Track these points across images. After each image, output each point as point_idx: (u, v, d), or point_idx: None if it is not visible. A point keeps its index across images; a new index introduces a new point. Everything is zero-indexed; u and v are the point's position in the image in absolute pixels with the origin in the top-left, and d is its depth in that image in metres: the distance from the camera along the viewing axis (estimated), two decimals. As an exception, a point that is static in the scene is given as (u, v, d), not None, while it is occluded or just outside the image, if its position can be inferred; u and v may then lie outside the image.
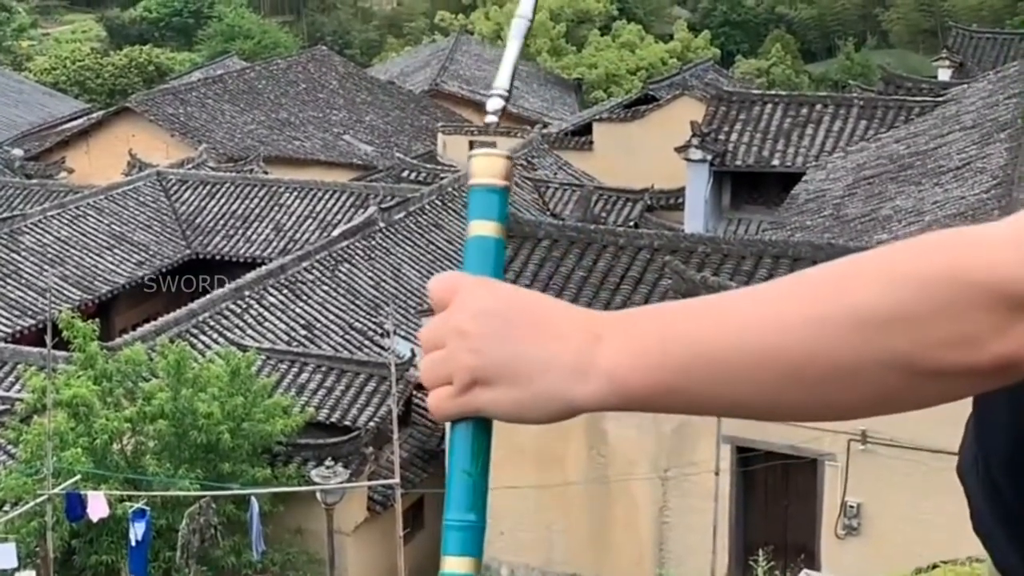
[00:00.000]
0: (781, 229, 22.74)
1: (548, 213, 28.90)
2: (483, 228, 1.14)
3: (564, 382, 1.08)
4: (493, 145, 1.24)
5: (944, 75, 34.79)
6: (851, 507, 16.11)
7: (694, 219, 26.96)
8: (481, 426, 1.12)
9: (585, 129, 37.01)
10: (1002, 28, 47.73)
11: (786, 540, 16.94)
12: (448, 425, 1.14)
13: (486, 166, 1.15)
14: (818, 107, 28.88)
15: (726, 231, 26.20)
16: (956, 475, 1.26)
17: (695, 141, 27.39)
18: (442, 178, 31.14)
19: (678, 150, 27.74)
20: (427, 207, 28.12)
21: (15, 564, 14.58)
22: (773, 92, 34.17)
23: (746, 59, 65.53)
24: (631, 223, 28.46)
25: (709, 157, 27.23)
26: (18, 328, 24.63)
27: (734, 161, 27.66)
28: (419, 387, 20.33)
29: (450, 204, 28.59)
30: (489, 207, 1.14)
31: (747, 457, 16.53)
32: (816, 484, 16.43)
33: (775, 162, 27.59)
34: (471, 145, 37.28)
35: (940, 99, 28.33)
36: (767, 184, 27.67)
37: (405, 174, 33.43)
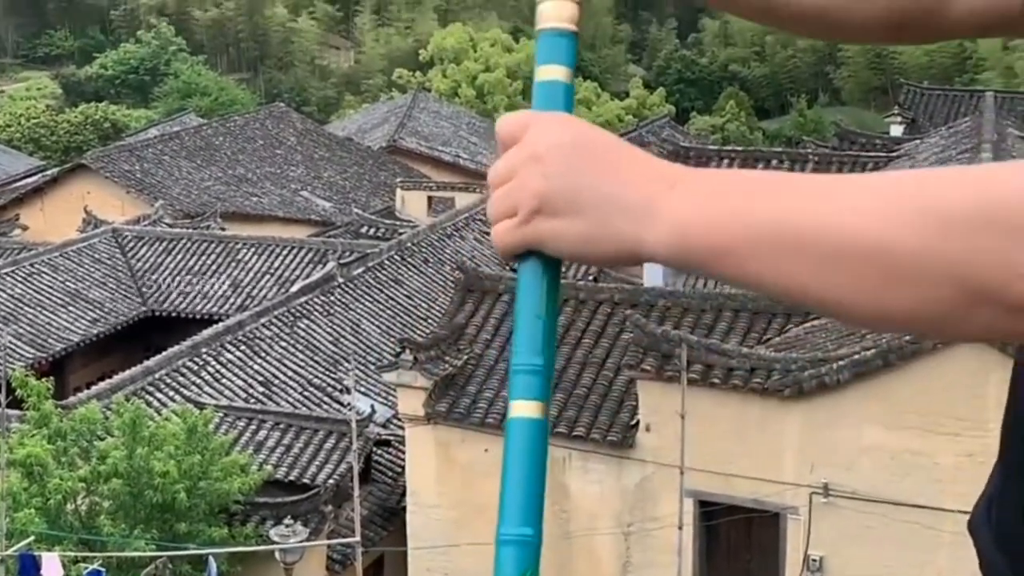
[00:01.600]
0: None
1: (508, 268, 28.91)
2: (552, 72, 1.12)
3: (634, 222, 1.05)
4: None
5: (896, 131, 35.32)
6: (814, 561, 16.07)
7: (653, 272, 27.03)
8: (550, 265, 1.08)
9: (543, 185, 37.11)
10: (951, 85, 48.65)
11: (750, 594, 16.85)
12: (516, 266, 1.11)
13: (555, 10, 1.13)
14: (774, 162, 29.19)
15: (685, 284, 26.30)
16: (967, 530, 1.21)
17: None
18: (401, 233, 31.11)
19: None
20: (386, 262, 28.06)
21: (-35, 629, 14.20)
22: (729, 147, 34.50)
23: (701, 116, 66.31)
24: (591, 277, 28.51)
25: (667, 212, 27.36)
26: (-31, 387, 24.19)
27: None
28: (379, 443, 20.18)
29: (409, 259, 28.55)
30: (558, 51, 1.12)
31: (710, 511, 16.47)
32: (779, 538, 16.39)
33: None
34: (429, 201, 37.39)
35: (894, 154, 28.75)
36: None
37: (364, 230, 33.38)
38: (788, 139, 58.72)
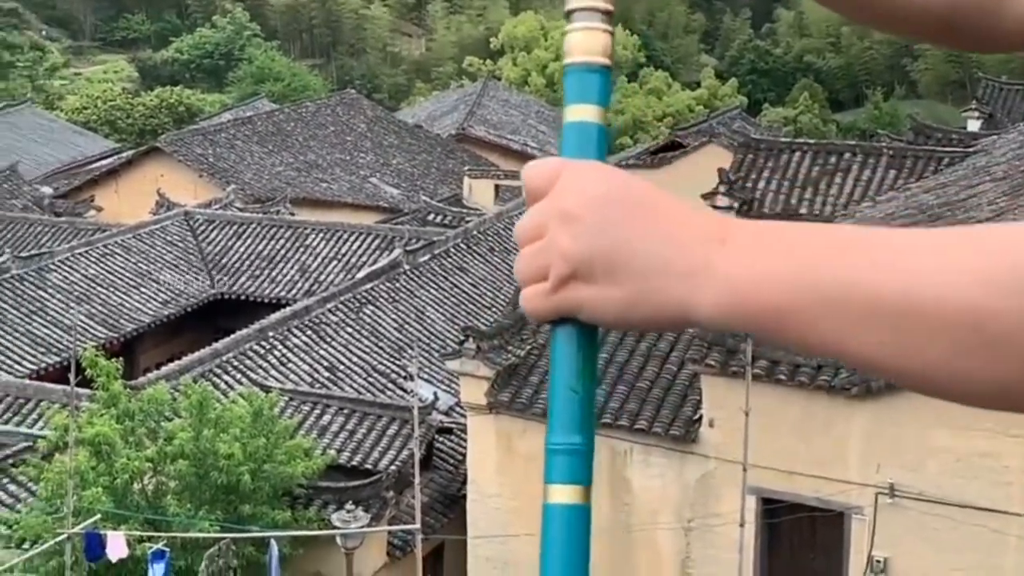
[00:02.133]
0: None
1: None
2: (583, 112, 1.01)
3: (682, 284, 0.95)
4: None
5: (974, 126, 34.65)
6: (878, 562, 15.84)
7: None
8: (586, 333, 0.99)
9: (611, 175, 36.92)
10: (1031, 80, 47.57)
11: (812, 594, 16.66)
12: (549, 333, 1.01)
13: (585, 42, 1.02)
14: (847, 156, 28.79)
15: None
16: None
17: (722, 188, 27.31)
18: (467, 221, 31.15)
19: (705, 197, 27.64)
20: (452, 250, 28.11)
21: (32, 604, 14.48)
22: (801, 140, 34.09)
23: (773, 107, 65.59)
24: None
25: (736, 205, 27.12)
26: (43, 365, 24.68)
27: (761, 209, 27.54)
28: (441, 431, 20.23)
29: (475, 248, 28.58)
30: (589, 88, 1.02)
31: (773, 509, 16.29)
32: (843, 538, 16.17)
33: (803, 210, 27.46)
34: (497, 189, 37.40)
35: (970, 150, 28.20)
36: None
37: (431, 217, 33.48)
38: (862, 132, 57.92)
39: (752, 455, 15.25)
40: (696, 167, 32.85)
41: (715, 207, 27.34)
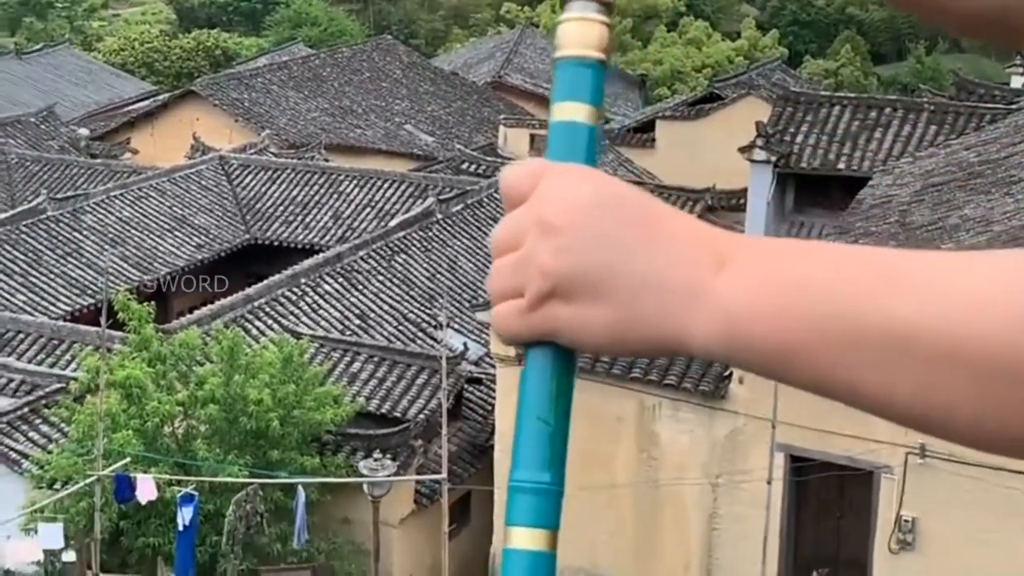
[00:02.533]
0: (845, 235, 22.31)
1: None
2: (572, 111, 0.90)
3: (676, 308, 0.84)
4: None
5: (1017, 82, 34.06)
6: (906, 522, 15.76)
7: (756, 221, 26.57)
8: (563, 358, 0.87)
9: (648, 126, 36.66)
10: (1080, 35, 46.58)
11: (838, 553, 16.63)
12: (522, 355, 0.89)
13: (578, 34, 0.92)
14: (887, 111, 28.37)
15: (788, 234, 25.80)
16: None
17: (760, 142, 26.99)
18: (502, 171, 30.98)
19: (742, 150, 27.36)
20: (485, 200, 28.00)
21: (62, 544, 14.66)
22: (841, 94, 33.65)
23: (814, 59, 64.73)
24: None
25: (773, 158, 26.83)
26: (77, 307, 24.86)
27: (799, 163, 27.23)
28: (471, 381, 20.24)
29: (509, 198, 28.45)
30: (580, 85, 0.91)
31: (801, 466, 16.22)
32: (871, 497, 16.09)
33: (841, 165, 27.14)
34: (532, 139, 37.15)
35: (1013, 107, 27.72)
36: (832, 188, 27.20)
37: (465, 166, 33.35)
38: (904, 86, 57.09)
39: (781, 412, 15.17)
40: (734, 120, 32.51)
41: (752, 161, 27.08)
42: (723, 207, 30.09)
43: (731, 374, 16.29)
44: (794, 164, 27.12)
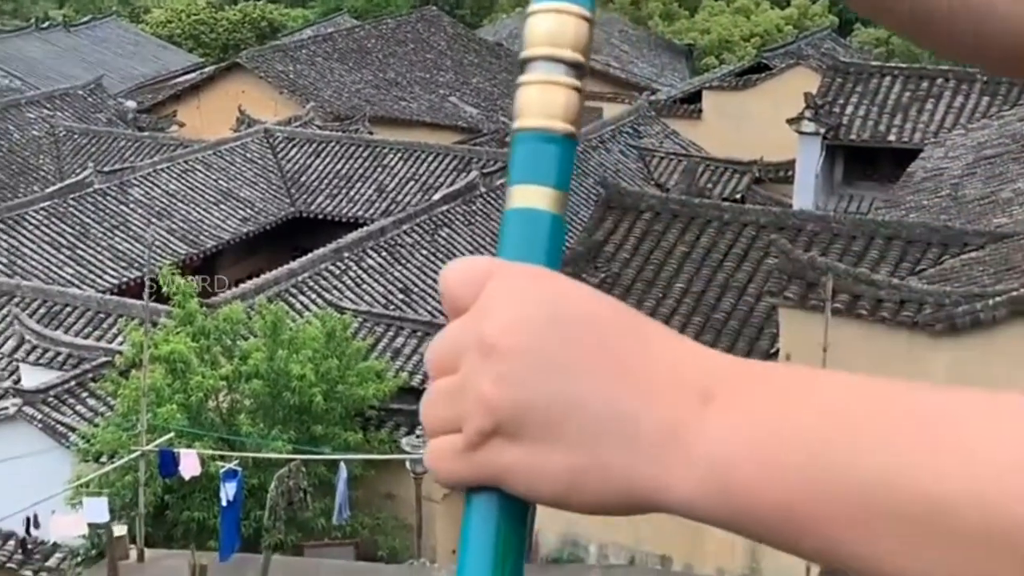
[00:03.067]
0: (895, 208, 21.97)
1: (652, 183, 28.40)
2: (533, 197, 0.73)
3: (649, 452, 0.67)
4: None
5: (1075, 51, 33.29)
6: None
7: (804, 194, 26.24)
8: (512, 508, 0.70)
9: (695, 97, 36.28)
10: None
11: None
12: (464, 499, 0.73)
13: (542, 101, 0.74)
14: (939, 81, 27.85)
15: (837, 208, 25.46)
16: None
17: (808, 113, 26.62)
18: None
19: (790, 122, 26.99)
20: (530, 173, 27.81)
21: (107, 518, 14.75)
22: (892, 64, 33.07)
23: (865, 28, 63.72)
24: (738, 196, 27.84)
25: (822, 130, 26.45)
26: (124, 280, 25.02)
27: (848, 135, 26.82)
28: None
29: (554, 170, 28.27)
30: (543, 165, 0.74)
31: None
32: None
33: (891, 137, 26.70)
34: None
35: (1070, 77, 27.09)
36: (882, 160, 26.80)
37: (509, 138, 33.13)
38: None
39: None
40: (782, 90, 32.07)
41: (800, 132, 26.70)
42: (770, 179, 29.74)
43: (778, 351, 16.07)
44: (843, 136, 26.72)
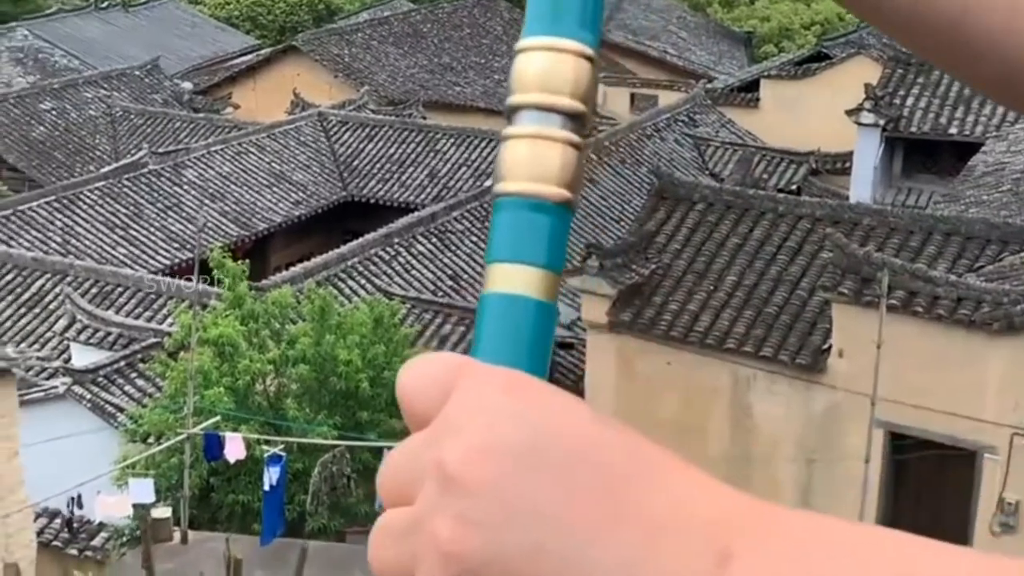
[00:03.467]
0: (955, 203, 21.53)
1: (707, 173, 28.07)
2: (518, 280, 0.59)
3: None
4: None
5: None
6: (1009, 504, 15.18)
7: (861, 186, 25.81)
8: None
9: (752, 86, 35.82)
10: None
11: (937, 534, 16.03)
12: None
13: (532, 160, 0.60)
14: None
15: (895, 201, 25.02)
16: None
17: (868, 104, 26.16)
18: (600, 131, 30.55)
19: (849, 113, 26.54)
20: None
21: (153, 499, 14.81)
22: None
23: (928, 17, 62.73)
24: (794, 187, 27.45)
25: (882, 122, 25.98)
26: (176, 261, 25.14)
27: (908, 127, 26.33)
28: (562, 345, 20.01)
29: (606, 159, 28.02)
30: (532, 240, 0.60)
31: (900, 445, 15.70)
32: (973, 477, 15.52)
33: (952, 130, 26.17)
34: (632, 98, 36.57)
35: None
36: (942, 153, 26.29)
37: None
38: None
39: (882, 388, 14.66)
40: (842, 80, 31.56)
41: (859, 124, 26.25)
42: (828, 170, 29.29)
43: (830, 347, 15.79)
44: (903, 128, 26.23)
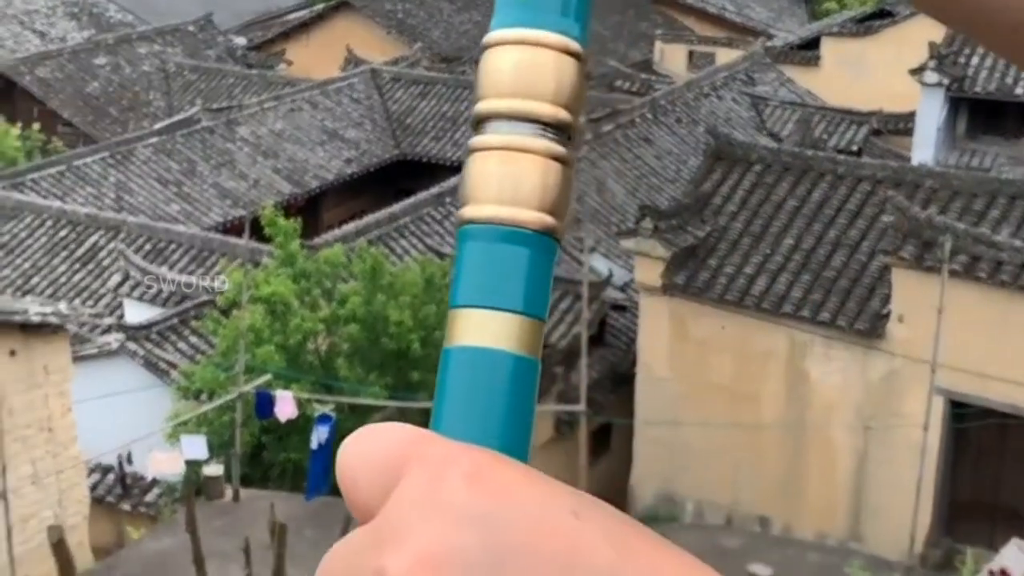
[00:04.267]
0: (1020, 165, 20.99)
1: (766, 133, 27.59)
2: (488, 330, 0.48)
3: None
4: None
5: None
6: (1073, 476, 14.83)
7: (924, 148, 25.23)
8: None
9: (813, 43, 35.11)
10: None
11: (996, 503, 15.78)
12: None
13: (505, 173, 0.49)
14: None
15: (958, 163, 24.44)
16: None
17: (932, 63, 25.50)
18: (656, 90, 30.12)
19: (912, 72, 25.91)
20: (637, 120, 27.22)
21: (205, 456, 14.84)
22: None
23: None
24: (855, 148, 26.92)
25: (946, 81, 25.34)
26: (229, 218, 25.15)
27: (973, 87, 25.67)
28: (615, 307, 19.79)
29: (662, 118, 27.61)
30: (505, 278, 0.48)
31: (960, 413, 15.37)
32: (1035, 447, 15.19)
33: (1019, 91, 25.48)
34: (690, 55, 35.97)
35: None
36: (1008, 115, 25.62)
37: (618, 83, 32.49)
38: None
39: (942, 355, 14.33)
40: (905, 38, 30.82)
41: (923, 83, 25.62)
42: (890, 131, 28.69)
43: (889, 313, 15.46)
44: (968, 88, 25.57)
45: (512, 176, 0.49)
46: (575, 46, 0.49)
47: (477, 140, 0.50)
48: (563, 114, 0.48)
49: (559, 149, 0.49)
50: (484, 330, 0.47)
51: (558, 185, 0.49)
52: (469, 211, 0.49)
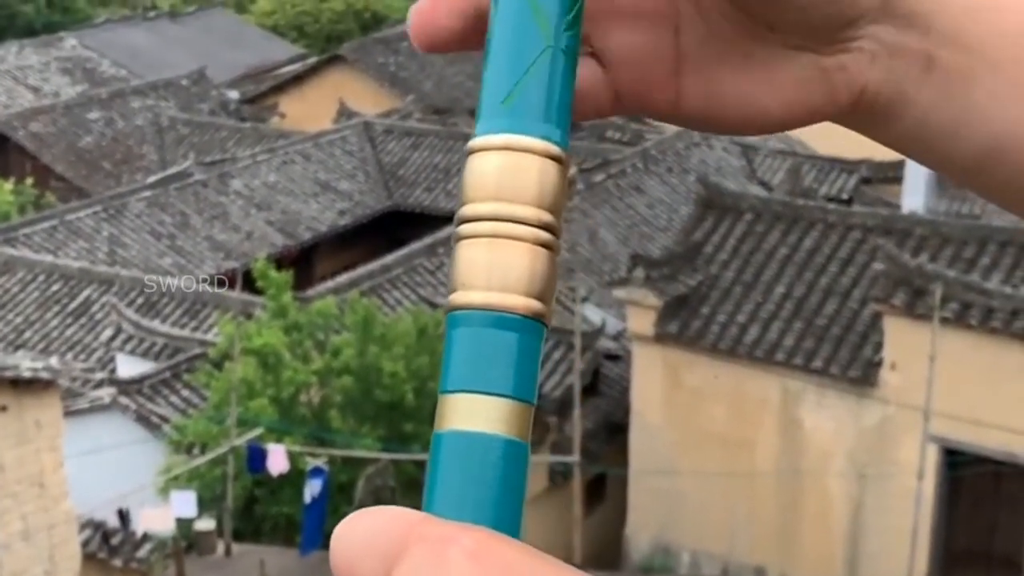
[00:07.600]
0: (1010, 212, 21.10)
1: (756, 181, 27.74)
2: (478, 414, 0.48)
3: None
4: None
5: None
6: (1069, 523, 14.80)
7: (914, 195, 25.33)
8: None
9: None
10: None
11: (991, 551, 15.73)
12: None
13: (494, 261, 0.50)
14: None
15: (949, 209, 24.57)
16: None
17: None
18: (646, 140, 30.30)
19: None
20: (629, 170, 27.37)
21: (195, 512, 14.76)
22: None
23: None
24: (845, 196, 27.06)
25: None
26: (222, 270, 25.17)
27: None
28: (609, 357, 19.80)
29: (653, 168, 27.77)
30: (494, 364, 0.48)
31: (955, 461, 15.35)
32: (1031, 495, 15.16)
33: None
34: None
35: None
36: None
37: (609, 133, 32.69)
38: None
39: (935, 403, 14.33)
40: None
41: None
42: (879, 180, 28.86)
43: (882, 360, 15.48)
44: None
45: (501, 263, 0.49)
46: (557, 150, 0.51)
47: (465, 228, 0.51)
48: (546, 216, 0.50)
49: (546, 236, 0.50)
50: (475, 414, 0.48)
51: (546, 271, 0.50)
52: (458, 297, 0.50)
